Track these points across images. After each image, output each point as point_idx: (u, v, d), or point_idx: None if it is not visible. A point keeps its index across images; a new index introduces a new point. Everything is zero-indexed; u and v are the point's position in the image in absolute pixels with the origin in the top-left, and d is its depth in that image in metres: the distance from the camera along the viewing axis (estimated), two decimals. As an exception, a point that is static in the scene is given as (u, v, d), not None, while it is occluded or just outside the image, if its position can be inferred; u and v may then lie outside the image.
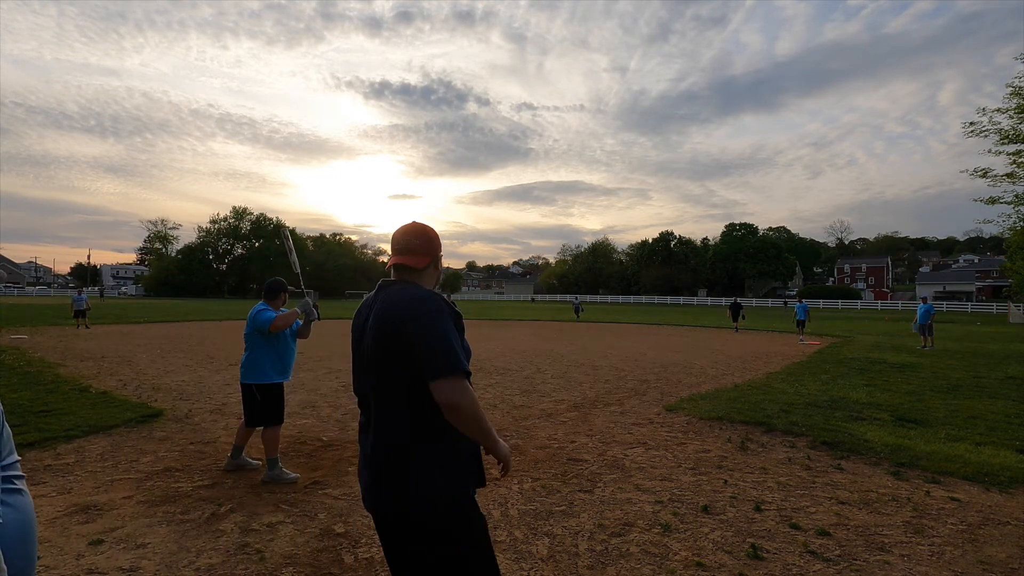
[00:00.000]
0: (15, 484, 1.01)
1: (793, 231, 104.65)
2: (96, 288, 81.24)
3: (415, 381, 1.52)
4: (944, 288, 73.80)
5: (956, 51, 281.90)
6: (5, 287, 79.20)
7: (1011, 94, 18.42)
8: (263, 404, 4.15)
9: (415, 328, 1.52)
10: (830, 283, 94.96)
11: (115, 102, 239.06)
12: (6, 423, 1.04)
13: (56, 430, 5.24)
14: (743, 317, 22.79)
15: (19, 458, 1.09)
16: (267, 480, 4.10)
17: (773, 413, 6.37)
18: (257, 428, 4.27)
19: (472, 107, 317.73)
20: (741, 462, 4.70)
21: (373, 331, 1.60)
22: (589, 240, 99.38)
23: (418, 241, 1.72)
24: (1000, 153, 19.26)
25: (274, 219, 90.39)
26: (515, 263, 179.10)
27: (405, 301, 1.57)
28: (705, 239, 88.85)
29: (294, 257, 4.28)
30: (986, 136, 19.30)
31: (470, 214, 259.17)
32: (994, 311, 50.26)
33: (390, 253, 1.75)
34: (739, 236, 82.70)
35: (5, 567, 0.87)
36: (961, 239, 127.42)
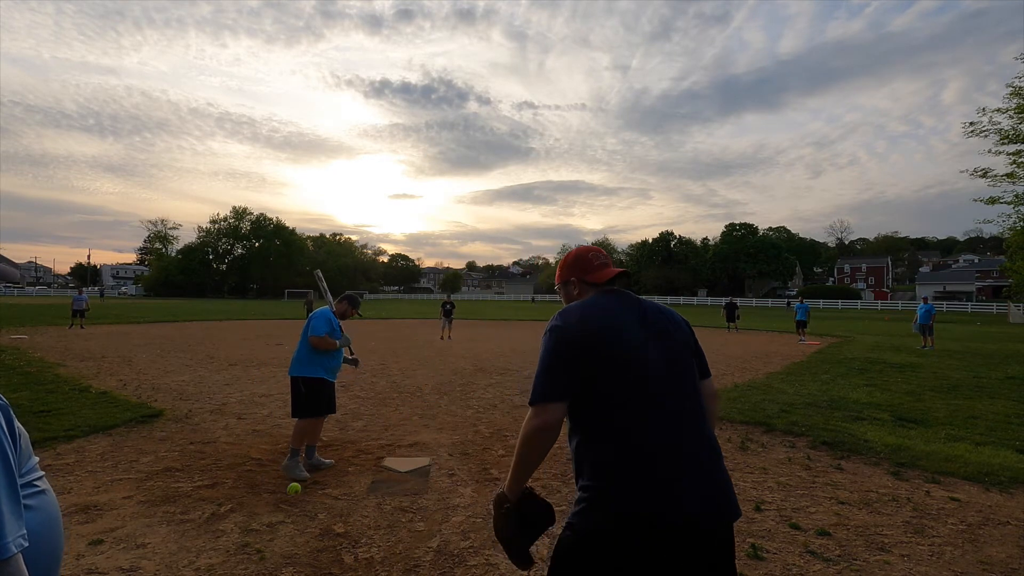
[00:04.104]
0: (37, 486, 1.02)
1: (793, 231, 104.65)
2: (96, 288, 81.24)
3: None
4: (944, 288, 73.79)
5: (960, 49, 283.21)
6: (5, 287, 79.16)
7: (1011, 94, 18.41)
8: (307, 396, 4.29)
9: None
10: (830, 283, 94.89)
11: (114, 101, 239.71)
12: (23, 430, 1.04)
13: (56, 430, 5.24)
14: (738, 318, 22.75)
15: (38, 459, 1.09)
16: (283, 470, 4.20)
17: (773, 413, 6.36)
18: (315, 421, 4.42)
19: (473, 106, 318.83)
20: (741, 462, 4.70)
21: (677, 325, 1.62)
22: (589, 240, 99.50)
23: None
24: (1000, 153, 19.25)
25: (274, 219, 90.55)
26: (515, 263, 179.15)
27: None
28: (705, 239, 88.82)
29: (329, 297, 4.74)
30: (986, 136, 19.29)
31: (470, 214, 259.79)
32: (994, 311, 50.25)
33: (599, 267, 1.73)
34: (739, 236, 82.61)
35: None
36: (961, 239, 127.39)
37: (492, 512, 1.58)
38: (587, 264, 1.73)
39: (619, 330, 1.51)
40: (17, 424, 1.00)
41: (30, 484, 1.00)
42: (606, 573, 1.33)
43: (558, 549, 1.43)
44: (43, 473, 1.07)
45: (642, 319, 1.56)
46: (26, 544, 0.86)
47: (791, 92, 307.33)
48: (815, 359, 12.32)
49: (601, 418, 1.44)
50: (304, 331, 4.41)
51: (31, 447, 1.06)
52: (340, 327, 4.59)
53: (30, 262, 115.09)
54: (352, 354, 4.76)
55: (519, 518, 1.52)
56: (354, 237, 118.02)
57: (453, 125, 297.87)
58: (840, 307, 58.58)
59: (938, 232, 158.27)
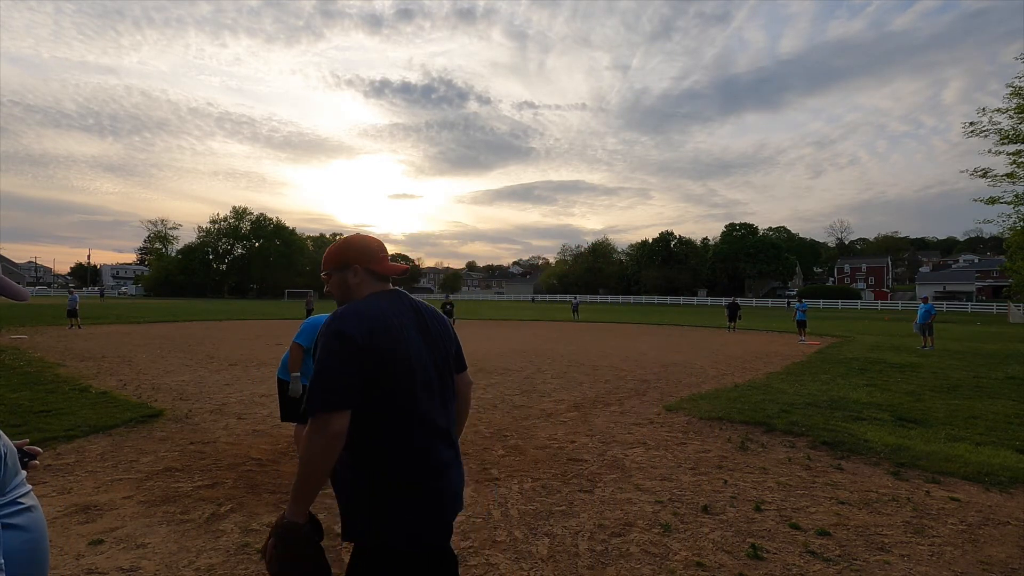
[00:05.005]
0: (22, 503, 1.00)
1: (793, 231, 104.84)
2: (96, 288, 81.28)
3: None
4: (944, 288, 73.75)
5: (961, 49, 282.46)
6: (5, 287, 78.87)
7: (1011, 94, 18.43)
8: (295, 401, 4.25)
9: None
10: (830, 283, 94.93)
11: (113, 100, 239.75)
12: (10, 446, 1.02)
13: (56, 430, 5.24)
14: (740, 318, 22.75)
15: (25, 473, 1.07)
16: None
17: (773, 413, 6.36)
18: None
19: (473, 106, 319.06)
20: (741, 462, 4.70)
21: (446, 329, 1.66)
22: (590, 240, 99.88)
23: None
24: (1000, 153, 19.28)
25: (274, 219, 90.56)
26: (515, 263, 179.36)
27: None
28: (705, 239, 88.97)
29: None
30: (986, 136, 19.33)
31: (471, 214, 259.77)
32: (994, 311, 50.22)
33: (384, 258, 1.65)
34: (739, 236, 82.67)
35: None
36: (961, 239, 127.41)
37: (275, 546, 1.35)
38: (373, 253, 1.62)
39: (404, 339, 1.49)
40: (5, 440, 0.98)
41: (14, 502, 0.97)
42: None
43: (357, 568, 1.43)
44: (30, 488, 1.05)
45: (421, 325, 1.57)
46: (3, 573, 0.85)
47: (792, 92, 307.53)
48: (815, 359, 12.32)
49: (378, 431, 1.42)
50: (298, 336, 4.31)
51: (18, 463, 1.04)
52: None
53: (30, 262, 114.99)
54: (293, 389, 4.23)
55: (318, 548, 1.39)
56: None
57: (453, 125, 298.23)
58: (840, 307, 58.56)
59: (938, 232, 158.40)
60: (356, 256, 1.60)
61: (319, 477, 1.37)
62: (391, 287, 1.63)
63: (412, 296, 1.65)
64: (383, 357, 1.42)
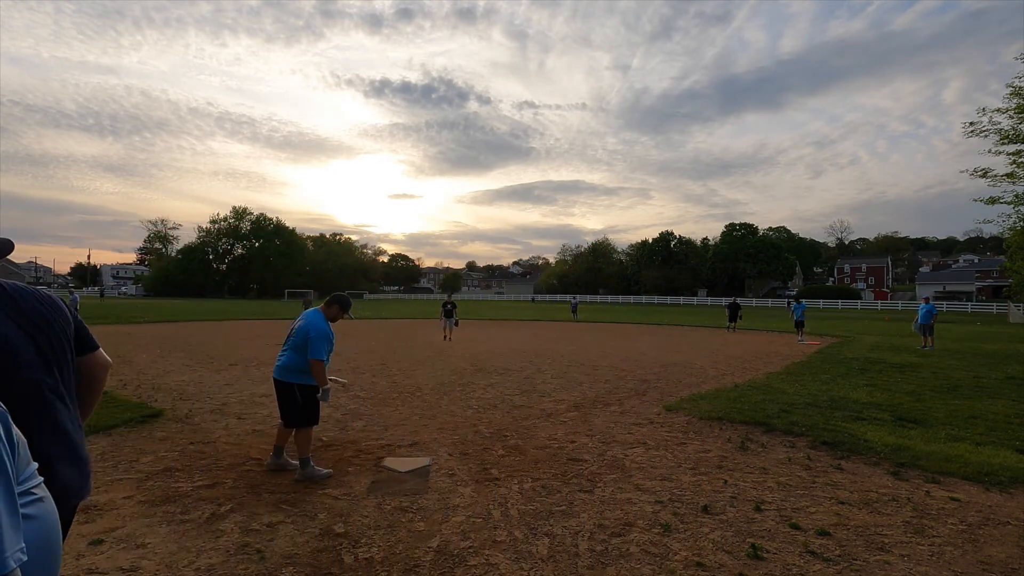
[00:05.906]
0: (35, 493, 1.00)
1: (793, 231, 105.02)
2: (96, 288, 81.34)
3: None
4: (944, 288, 73.79)
5: (961, 48, 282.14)
6: (5, 287, 79.05)
7: (1011, 94, 18.43)
8: (303, 405, 4.23)
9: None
10: (830, 283, 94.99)
11: (113, 100, 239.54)
12: (22, 436, 1.02)
13: (56, 430, 5.24)
14: (740, 318, 22.76)
15: (37, 464, 1.07)
16: (301, 479, 4.12)
17: (773, 413, 6.36)
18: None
19: (473, 106, 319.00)
20: (741, 462, 4.70)
21: (58, 311, 1.55)
22: (590, 240, 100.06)
23: None
24: (1000, 153, 19.27)
25: (274, 219, 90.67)
26: (515, 263, 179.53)
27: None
28: (705, 239, 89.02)
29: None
30: (986, 136, 19.32)
31: (471, 214, 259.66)
32: (994, 311, 50.24)
33: None
34: (739, 236, 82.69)
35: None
36: (961, 239, 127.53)
37: None
38: None
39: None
40: (16, 431, 0.98)
41: (28, 492, 0.98)
42: None
43: None
44: (42, 479, 1.05)
45: (15, 314, 1.42)
46: (24, 558, 0.85)
47: (792, 92, 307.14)
48: (815, 359, 12.32)
49: None
50: (297, 336, 4.25)
51: (29, 453, 1.04)
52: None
53: (30, 262, 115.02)
54: (325, 398, 4.38)
55: None
56: (354, 237, 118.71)
57: (453, 125, 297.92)
58: (840, 307, 58.57)
59: (938, 232, 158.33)
60: None
61: None
62: None
63: (5, 281, 1.50)
64: None
